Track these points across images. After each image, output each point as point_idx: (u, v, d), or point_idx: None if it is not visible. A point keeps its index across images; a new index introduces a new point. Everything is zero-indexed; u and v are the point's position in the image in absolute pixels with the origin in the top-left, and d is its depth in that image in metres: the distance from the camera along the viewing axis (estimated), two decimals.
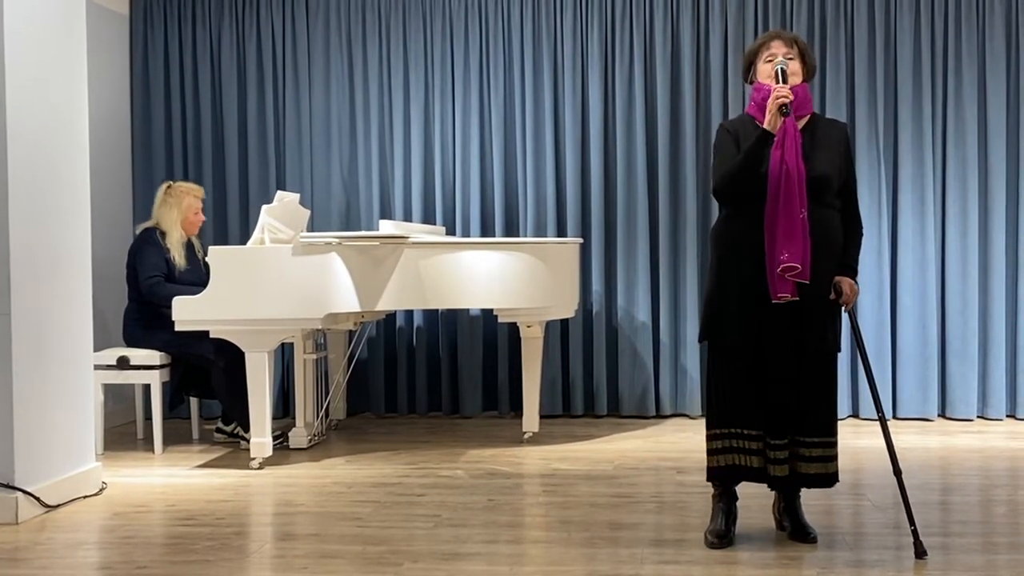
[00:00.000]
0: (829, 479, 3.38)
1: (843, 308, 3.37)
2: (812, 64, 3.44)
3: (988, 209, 5.80)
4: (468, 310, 5.95)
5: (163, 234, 5.18)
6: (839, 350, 3.41)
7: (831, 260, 3.32)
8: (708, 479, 3.45)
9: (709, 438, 3.42)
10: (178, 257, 5.15)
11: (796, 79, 3.34)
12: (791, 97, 3.23)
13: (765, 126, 3.26)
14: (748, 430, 3.34)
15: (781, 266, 3.20)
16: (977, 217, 5.78)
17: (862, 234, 3.46)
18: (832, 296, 3.33)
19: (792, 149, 3.23)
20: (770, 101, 3.25)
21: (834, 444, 3.39)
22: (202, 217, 5.37)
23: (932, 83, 5.81)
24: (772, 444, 3.32)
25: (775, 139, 3.25)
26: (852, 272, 3.39)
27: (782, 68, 3.29)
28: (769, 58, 3.37)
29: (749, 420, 3.34)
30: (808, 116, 3.39)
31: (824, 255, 3.28)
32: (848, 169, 3.39)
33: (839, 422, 5.65)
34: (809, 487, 3.41)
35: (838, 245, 3.35)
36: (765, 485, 3.40)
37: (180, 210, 5.22)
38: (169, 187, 5.28)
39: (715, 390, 3.40)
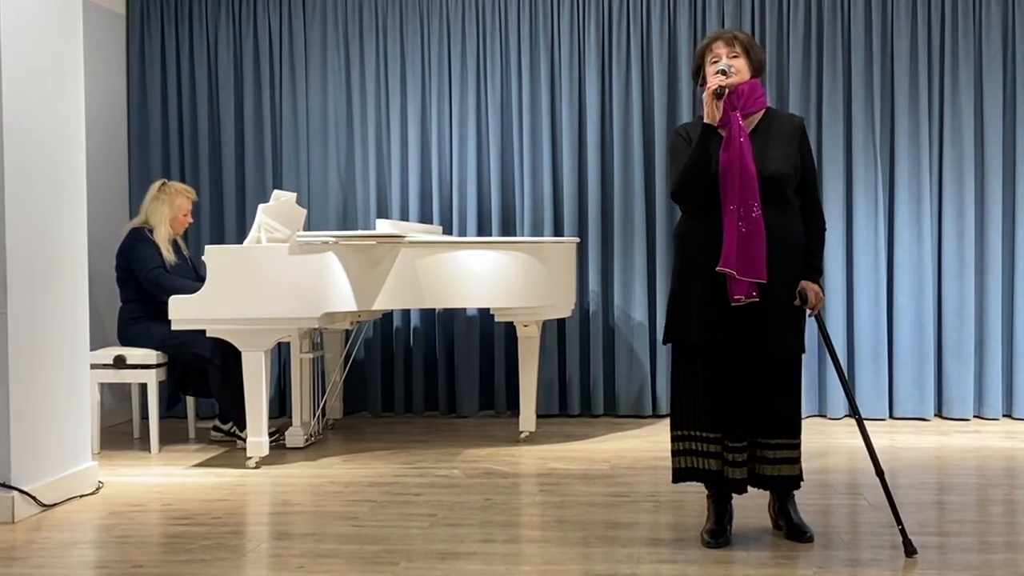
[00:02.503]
0: (793, 481, 3.39)
1: (810, 314, 3.35)
2: (758, 59, 3.39)
3: (984, 208, 5.80)
4: (465, 310, 5.95)
5: (151, 231, 5.18)
6: (803, 351, 3.39)
7: (790, 260, 3.29)
8: (672, 481, 3.45)
9: (672, 439, 3.42)
10: (167, 253, 5.16)
11: (743, 76, 3.32)
12: (724, 81, 3.23)
13: (705, 119, 3.26)
14: (706, 432, 3.34)
15: (718, 268, 3.20)
16: (973, 216, 5.79)
17: (824, 230, 3.42)
18: (797, 302, 3.31)
19: (737, 148, 3.21)
20: (704, 94, 3.26)
21: (798, 446, 3.39)
22: (191, 219, 5.39)
23: (928, 82, 5.81)
24: (730, 447, 3.31)
25: (723, 139, 3.25)
26: (817, 272, 3.36)
27: (723, 69, 3.27)
28: (714, 59, 3.34)
29: (707, 423, 3.33)
30: (761, 112, 3.37)
31: (783, 255, 3.25)
32: (805, 164, 3.35)
33: (835, 422, 5.73)
34: (771, 489, 3.42)
35: (798, 244, 3.32)
36: (736, 487, 3.38)
37: (172, 208, 5.23)
38: (163, 184, 5.30)
39: (676, 392, 3.40)
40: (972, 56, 5.79)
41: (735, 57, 3.33)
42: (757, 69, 3.38)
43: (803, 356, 3.44)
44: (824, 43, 5.86)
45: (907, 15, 5.81)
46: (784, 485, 3.40)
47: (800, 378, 3.40)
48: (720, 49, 3.35)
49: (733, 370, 3.29)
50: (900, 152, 5.83)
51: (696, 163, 3.25)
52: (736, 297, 3.20)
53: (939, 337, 5.85)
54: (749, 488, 3.39)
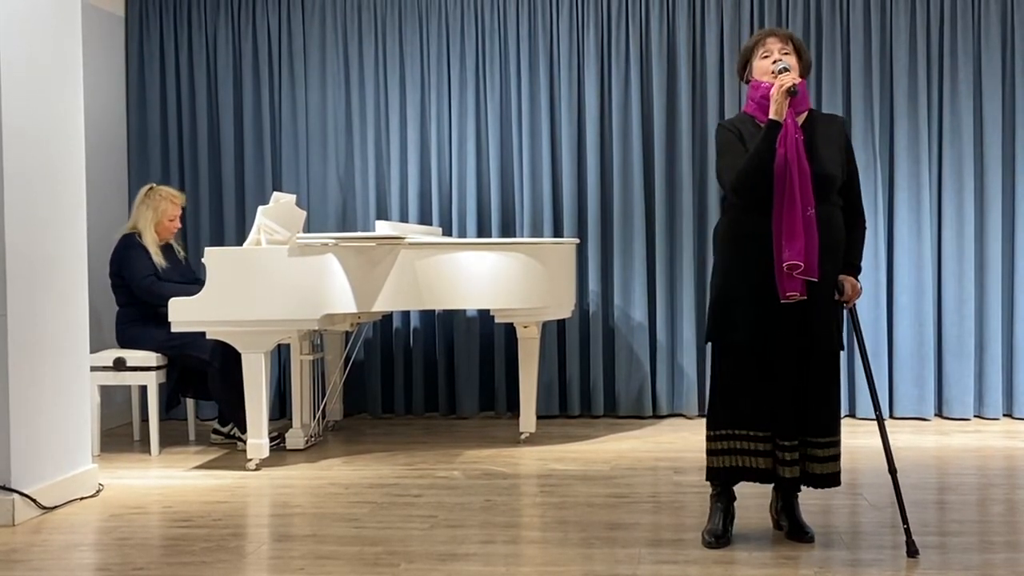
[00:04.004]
0: (836, 479, 3.38)
1: (844, 307, 3.39)
2: (808, 60, 3.44)
3: (984, 207, 5.80)
4: (465, 311, 5.95)
5: (140, 236, 5.17)
6: (843, 348, 3.41)
7: (836, 258, 3.32)
8: (708, 479, 3.44)
9: (711, 438, 3.39)
10: (156, 256, 5.16)
11: (796, 75, 3.32)
12: (797, 80, 3.23)
13: (772, 115, 3.22)
14: (756, 431, 3.32)
15: (785, 264, 3.20)
16: (973, 215, 5.79)
17: (865, 229, 3.45)
18: (837, 298, 3.35)
19: (793, 146, 3.22)
20: (774, 89, 3.23)
21: (839, 443, 3.40)
22: (178, 224, 5.35)
23: (928, 81, 5.82)
24: (782, 445, 3.30)
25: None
26: (856, 270, 3.40)
27: (784, 68, 3.27)
28: (765, 54, 3.36)
29: (757, 422, 3.32)
30: (806, 112, 3.38)
31: (829, 253, 3.27)
32: (850, 164, 3.39)
33: None
34: (819, 487, 3.40)
35: (842, 242, 3.35)
36: (763, 484, 3.39)
37: (156, 213, 5.21)
38: (151, 189, 5.29)
39: (721, 391, 3.38)
40: (971, 56, 5.79)
41: (787, 55, 3.34)
42: (805, 70, 3.41)
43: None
44: (823, 43, 5.86)
45: (906, 15, 5.82)
46: (828, 484, 3.37)
47: (839, 375, 3.41)
48: (773, 45, 3.36)
49: (779, 368, 3.28)
50: (900, 152, 5.83)
51: (761, 157, 3.23)
52: (789, 293, 3.20)
53: (939, 336, 5.85)
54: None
